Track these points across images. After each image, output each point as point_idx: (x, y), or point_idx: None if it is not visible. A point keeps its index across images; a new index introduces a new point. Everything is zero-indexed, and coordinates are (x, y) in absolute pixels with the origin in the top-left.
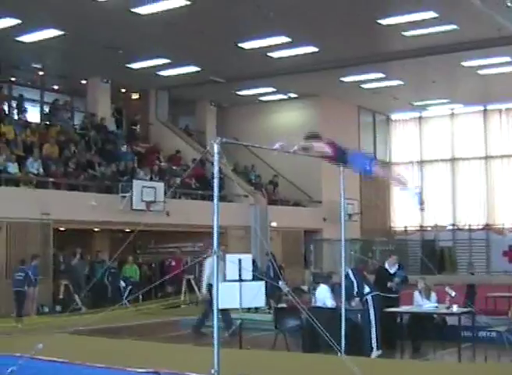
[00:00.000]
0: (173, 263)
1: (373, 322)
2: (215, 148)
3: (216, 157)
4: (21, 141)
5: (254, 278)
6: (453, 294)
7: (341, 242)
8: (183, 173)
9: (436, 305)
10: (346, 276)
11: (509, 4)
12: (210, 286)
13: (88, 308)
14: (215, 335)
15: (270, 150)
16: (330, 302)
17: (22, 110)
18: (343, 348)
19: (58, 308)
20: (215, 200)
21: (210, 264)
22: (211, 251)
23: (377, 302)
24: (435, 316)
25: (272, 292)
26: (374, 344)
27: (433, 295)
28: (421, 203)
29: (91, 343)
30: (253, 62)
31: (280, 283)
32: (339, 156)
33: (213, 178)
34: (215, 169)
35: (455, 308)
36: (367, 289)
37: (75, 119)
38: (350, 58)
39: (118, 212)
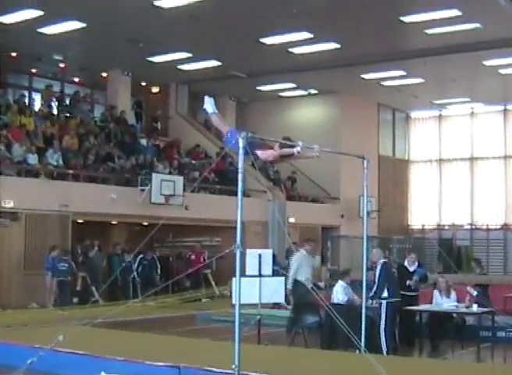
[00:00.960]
0: (193, 257)
1: (382, 328)
2: (241, 142)
3: (241, 151)
4: (41, 133)
5: (275, 273)
6: (475, 293)
7: (360, 239)
8: (202, 167)
9: (456, 304)
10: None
11: None
12: (295, 282)
13: (105, 300)
14: (237, 330)
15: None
16: (341, 297)
17: (49, 102)
18: (363, 345)
19: (75, 300)
20: (239, 195)
21: (297, 260)
22: (234, 246)
23: (391, 310)
24: (454, 315)
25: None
26: (384, 349)
27: (453, 294)
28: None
29: (110, 336)
30: (274, 57)
31: (304, 279)
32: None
33: (232, 172)
34: (240, 164)
35: (475, 308)
36: (385, 293)
37: (95, 111)
38: (372, 55)
39: (136, 205)
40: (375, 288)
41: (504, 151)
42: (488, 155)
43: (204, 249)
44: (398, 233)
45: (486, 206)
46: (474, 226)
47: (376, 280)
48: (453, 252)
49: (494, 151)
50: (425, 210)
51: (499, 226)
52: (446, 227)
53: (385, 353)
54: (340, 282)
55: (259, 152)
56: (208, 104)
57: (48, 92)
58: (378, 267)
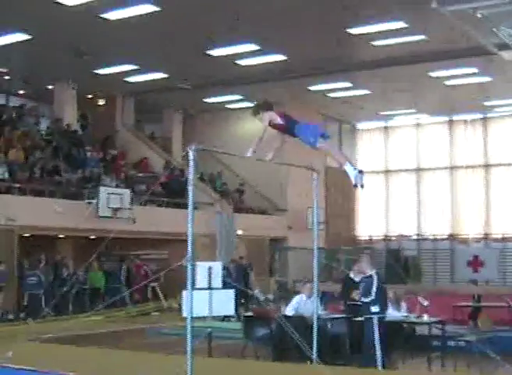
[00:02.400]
0: (133, 269)
1: (377, 344)
2: (191, 154)
3: (192, 164)
4: None
5: (227, 285)
6: (426, 303)
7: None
8: (149, 180)
9: (406, 314)
10: (370, 277)
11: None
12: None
13: (54, 315)
14: (189, 343)
15: (244, 156)
16: (289, 310)
17: None
18: (314, 357)
19: (22, 315)
20: (190, 207)
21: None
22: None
23: (382, 324)
24: (404, 325)
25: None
26: (379, 363)
27: (403, 305)
28: (360, 182)
29: (60, 351)
30: (221, 69)
31: (256, 291)
32: (289, 127)
33: (178, 185)
34: (190, 176)
35: (425, 318)
36: (376, 308)
37: (41, 124)
38: (318, 66)
39: (84, 219)
40: (372, 298)
41: (450, 162)
42: (434, 166)
43: (150, 262)
44: (346, 244)
45: (433, 217)
46: (421, 237)
47: (374, 292)
48: (400, 263)
49: (440, 162)
50: (373, 221)
51: (445, 237)
52: (394, 238)
53: (380, 368)
54: (300, 295)
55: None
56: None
57: None
58: (375, 278)
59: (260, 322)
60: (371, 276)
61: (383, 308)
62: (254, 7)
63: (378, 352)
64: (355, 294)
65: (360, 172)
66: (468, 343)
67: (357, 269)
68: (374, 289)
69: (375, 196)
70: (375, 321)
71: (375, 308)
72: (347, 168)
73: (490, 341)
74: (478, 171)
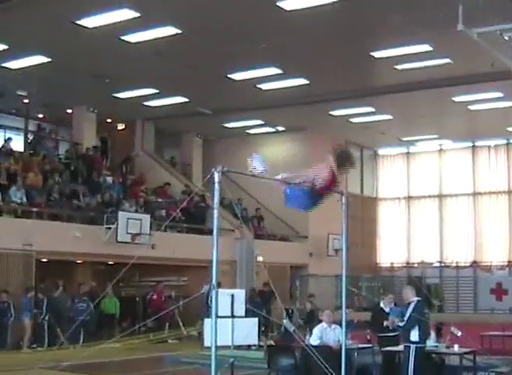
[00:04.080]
0: (154, 297)
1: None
2: (216, 177)
3: (217, 186)
4: (5, 170)
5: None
6: (459, 333)
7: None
8: (169, 205)
9: (436, 344)
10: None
11: (506, 38)
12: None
13: (70, 342)
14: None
15: (273, 180)
16: (314, 339)
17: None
18: None
19: (37, 342)
20: (215, 232)
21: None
22: (205, 285)
23: (420, 355)
24: (433, 355)
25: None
26: None
27: (432, 334)
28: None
29: None
30: (241, 93)
31: (285, 321)
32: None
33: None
34: (216, 200)
35: (456, 348)
36: (415, 337)
37: (60, 148)
38: (341, 91)
39: (102, 244)
40: (404, 323)
41: (473, 188)
42: (456, 192)
43: (170, 289)
44: (367, 271)
45: (455, 244)
46: (443, 264)
47: (407, 316)
48: (422, 290)
49: (462, 188)
50: (394, 248)
51: (468, 264)
52: (416, 265)
53: None
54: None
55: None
56: (257, 162)
57: None
58: (412, 304)
59: (284, 351)
60: (409, 303)
61: (422, 337)
62: (276, 31)
63: None
64: (388, 323)
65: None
66: (500, 374)
67: (404, 296)
68: (407, 315)
69: (396, 222)
70: (412, 350)
71: (413, 337)
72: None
73: None
74: (502, 197)
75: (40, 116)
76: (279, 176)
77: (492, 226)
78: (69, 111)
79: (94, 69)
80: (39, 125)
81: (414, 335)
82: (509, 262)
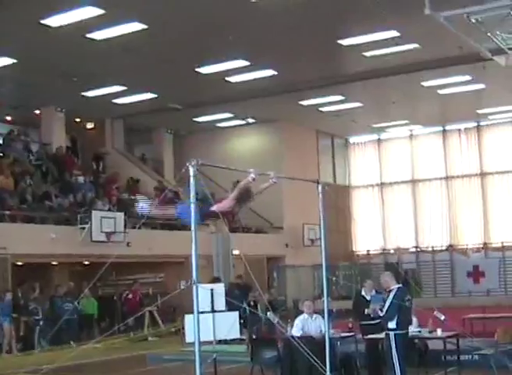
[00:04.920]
0: (130, 296)
1: (396, 363)
2: (191, 170)
3: (192, 180)
4: None
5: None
6: (442, 317)
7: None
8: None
9: (419, 329)
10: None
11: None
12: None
13: (50, 344)
14: (198, 370)
15: (246, 173)
16: (295, 331)
17: None
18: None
19: (18, 346)
20: (193, 227)
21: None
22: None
23: (401, 342)
24: (416, 340)
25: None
26: None
27: (414, 320)
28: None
29: None
30: (211, 87)
31: (269, 313)
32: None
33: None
34: (192, 194)
35: (439, 332)
36: (393, 324)
37: (30, 150)
38: (310, 80)
39: (77, 245)
40: (384, 313)
41: (445, 172)
42: (429, 177)
43: (146, 286)
44: (343, 259)
45: (430, 228)
46: (419, 249)
47: (387, 305)
48: (402, 275)
49: (435, 173)
50: (370, 235)
51: (444, 248)
52: (392, 251)
53: None
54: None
55: (215, 208)
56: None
57: None
58: (393, 293)
59: (267, 344)
60: (390, 291)
61: (402, 325)
62: (242, 23)
63: (397, 370)
64: (369, 311)
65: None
66: (484, 356)
67: (383, 284)
68: (387, 304)
69: (371, 210)
70: (392, 337)
71: (391, 325)
72: None
73: (509, 353)
74: (474, 180)
75: (8, 118)
76: (252, 170)
77: (466, 210)
78: (38, 112)
79: (61, 68)
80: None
81: (392, 323)
82: (484, 244)
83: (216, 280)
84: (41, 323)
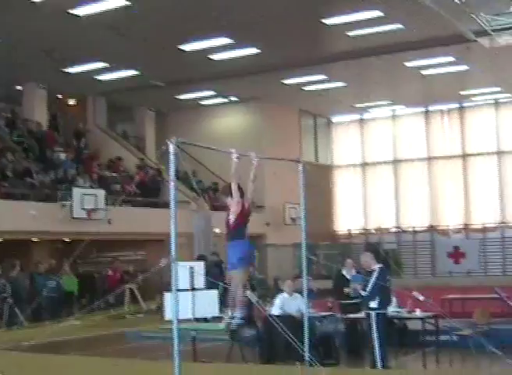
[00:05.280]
0: (110, 273)
1: (376, 342)
2: (171, 148)
3: (172, 158)
4: None
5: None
6: (421, 298)
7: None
8: (124, 179)
9: (398, 309)
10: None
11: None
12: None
13: (30, 322)
14: (176, 348)
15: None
16: (275, 310)
17: None
18: (307, 356)
19: None
20: (172, 204)
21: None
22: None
23: (382, 321)
24: (395, 320)
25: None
26: (379, 363)
27: (394, 300)
28: None
29: (37, 360)
30: (193, 64)
31: (248, 292)
32: None
33: (153, 184)
34: (171, 172)
35: (418, 313)
36: (374, 303)
37: (11, 126)
38: (293, 59)
39: (58, 222)
40: (367, 293)
41: (427, 153)
42: (411, 157)
43: (127, 264)
44: (324, 239)
45: (412, 209)
46: (400, 230)
47: (371, 285)
48: (382, 255)
49: (417, 153)
50: (351, 215)
51: (425, 228)
52: (373, 231)
53: (380, 367)
54: (283, 293)
55: (232, 217)
56: None
57: None
58: (376, 273)
59: (246, 323)
60: (371, 271)
61: (383, 304)
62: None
63: (377, 350)
64: (348, 290)
65: None
66: (462, 337)
67: (364, 264)
68: (370, 284)
69: (352, 189)
70: (373, 317)
71: (373, 304)
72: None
73: (486, 334)
74: (456, 161)
75: None
76: (233, 150)
77: (447, 190)
78: (19, 88)
79: (43, 44)
80: None
81: (374, 302)
82: (465, 225)
83: (201, 257)
84: (9, 300)
